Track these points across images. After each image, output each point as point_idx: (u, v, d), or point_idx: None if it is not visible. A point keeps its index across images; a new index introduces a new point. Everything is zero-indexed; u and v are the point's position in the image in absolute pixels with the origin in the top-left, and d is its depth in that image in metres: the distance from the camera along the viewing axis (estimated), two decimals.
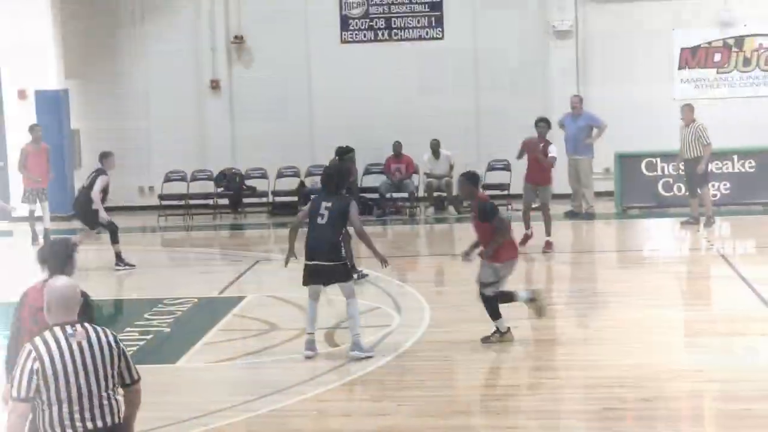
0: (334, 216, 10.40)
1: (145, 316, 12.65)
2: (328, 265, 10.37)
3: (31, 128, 19.27)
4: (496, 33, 21.37)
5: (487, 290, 10.67)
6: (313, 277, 10.50)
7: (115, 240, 15.83)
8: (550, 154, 15.82)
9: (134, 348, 10.76)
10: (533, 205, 16.17)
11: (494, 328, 10.79)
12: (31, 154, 18.89)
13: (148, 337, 11.64)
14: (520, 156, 16.51)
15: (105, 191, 16.03)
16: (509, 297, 10.90)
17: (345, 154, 20.78)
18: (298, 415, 9.07)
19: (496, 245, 10.59)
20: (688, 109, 18.07)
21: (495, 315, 10.76)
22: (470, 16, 21.56)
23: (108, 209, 16.30)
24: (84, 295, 6.71)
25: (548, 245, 15.92)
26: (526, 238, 15.89)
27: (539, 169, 15.93)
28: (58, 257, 6.67)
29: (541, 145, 15.92)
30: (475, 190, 10.86)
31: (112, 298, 14.37)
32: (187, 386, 9.93)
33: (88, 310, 6.62)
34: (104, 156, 16.34)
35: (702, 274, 14.87)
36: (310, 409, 9.19)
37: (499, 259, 10.61)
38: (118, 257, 15.90)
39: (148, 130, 22.29)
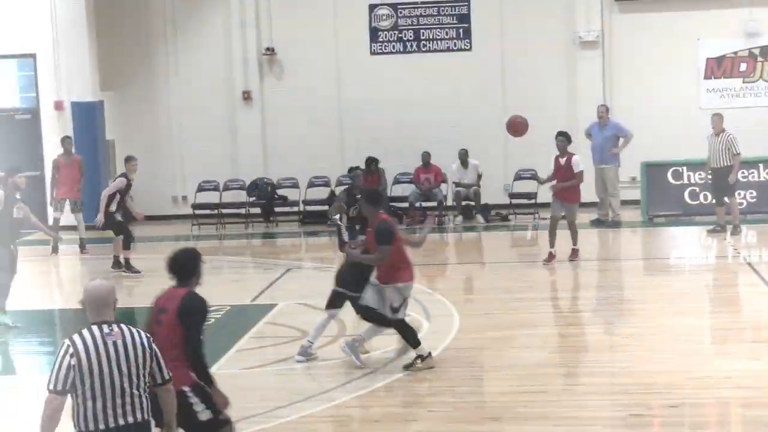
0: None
1: None
2: (353, 295, 10.71)
3: (63, 140, 19.64)
4: (523, 44, 21.48)
5: (398, 314, 10.43)
6: (336, 301, 10.91)
7: (117, 237, 16.42)
8: (576, 169, 15.70)
9: None
10: (561, 214, 16.16)
11: (415, 355, 10.49)
12: (63, 165, 19.21)
13: None
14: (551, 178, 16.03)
15: (120, 194, 16.21)
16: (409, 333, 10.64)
17: (371, 164, 21.16)
18: (328, 422, 9.21)
19: (366, 263, 10.47)
20: (718, 119, 18.13)
21: (414, 341, 10.50)
22: (497, 27, 21.66)
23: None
24: (200, 301, 6.98)
25: (574, 253, 16.00)
26: (551, 257, 15.87)
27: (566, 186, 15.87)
28: (185, 267, 6.98)
29: (557, 171, 15.85)
30: (375, 210, 10.49)
31: (146, 306, 14.47)
32: None
33: (202, 307, 6.99)
34: (126, 160, 16.60)
35: (729, 282, 14.87)
36: (340, 416, 9.34)
37: (401, 280, 10.40)
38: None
39: (182, 140, 22.53)
